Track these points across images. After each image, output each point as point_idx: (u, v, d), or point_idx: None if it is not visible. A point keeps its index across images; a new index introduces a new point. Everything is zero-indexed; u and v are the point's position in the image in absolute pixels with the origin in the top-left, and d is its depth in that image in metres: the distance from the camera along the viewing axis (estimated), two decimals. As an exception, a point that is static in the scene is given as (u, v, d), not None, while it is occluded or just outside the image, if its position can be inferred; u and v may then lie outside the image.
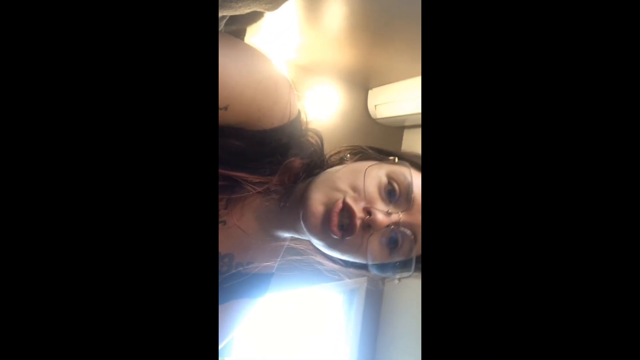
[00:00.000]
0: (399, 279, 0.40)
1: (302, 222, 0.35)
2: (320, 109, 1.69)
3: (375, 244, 0.36)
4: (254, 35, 1.21)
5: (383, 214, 0.35)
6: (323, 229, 0.35)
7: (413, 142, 2.02)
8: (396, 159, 0.39)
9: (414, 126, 2.01)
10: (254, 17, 0.49)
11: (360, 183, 0.35)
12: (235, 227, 0.40)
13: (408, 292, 1.89)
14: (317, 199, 0.35)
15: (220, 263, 0.41)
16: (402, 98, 1.71)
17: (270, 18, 0.48)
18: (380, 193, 0.36)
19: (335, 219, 0.34)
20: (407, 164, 0.38)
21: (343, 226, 0.34)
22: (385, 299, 2.09)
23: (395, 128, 2.05)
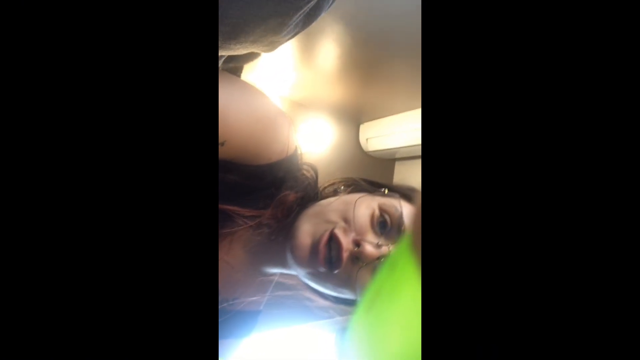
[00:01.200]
0: None
1: (289, 255, 0.35)
2: (314, 142, 1.72)
3: (365, 277, 0.35)
4: (250, 72, 1.26)
5: (372, 245, 0.34)
6: (310, 262, 0.34)
7: (404, 174, 2.05)
8: (386, 191, 0.39)
9: (404, 158, 2.06)
10: (251, 56, 0.51)
11: (350, 214, 0.35)
12: (223, 260, 0.39)
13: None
14: (305, 231, 0.35)
15: None
16: (392, 131, 1.76)
17: (266, 57, 0.50)
18: (372, 224, 0.36)
19: (322, 251, 0.33)
20: (398, 195, 0.38)
21: (332, 258, 0.34)
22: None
23: (387, 160, 2.09)
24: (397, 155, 1.99)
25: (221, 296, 0.41)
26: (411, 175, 1.99)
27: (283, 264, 0.39)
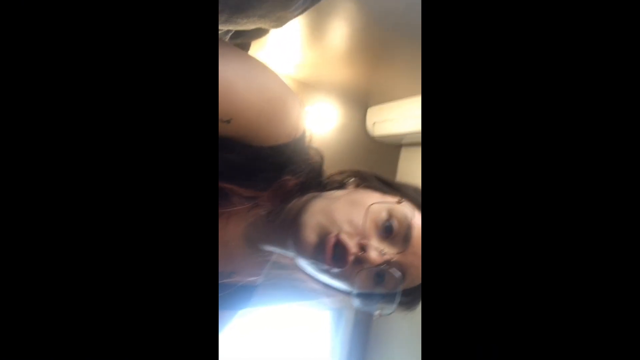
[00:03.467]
0: (379, 315, 0.39)
1: (292, 243, 0.35)
2: (319, 124, 1.71)
3: (362, 276, 0.35)
4: (258, 49, 1.24)
5: (377, 252, 0.34)
6: (315, 257, 0.34)
7: (410, 161, 2.04)
8: (401, 201, 0.38)
9: (411, 144, 2.03)
10: (259, 32, 0.50)
11: (360, 219, 0.35)
12: (219, 236, 0.39)
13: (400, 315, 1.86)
14: (311, 227, 0.34)
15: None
16: (400, 116, 1.73)
17: (274, 34, 0.49)
18: (377, 228, 0.35)
19: (329, 254, 0.33)
20: (412, 205, 0.37)
21: (335, 258, 0.34)
22: (375, 323, 2.06)
23: (393, 146, 2.07)
24: (404, 141, 1.96)
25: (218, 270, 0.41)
26: (416, 162, 1.97)
27: (280, 244, 0.39)
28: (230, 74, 0.30)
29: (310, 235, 0.34)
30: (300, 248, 0.34)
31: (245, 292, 0.45)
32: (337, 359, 1.95)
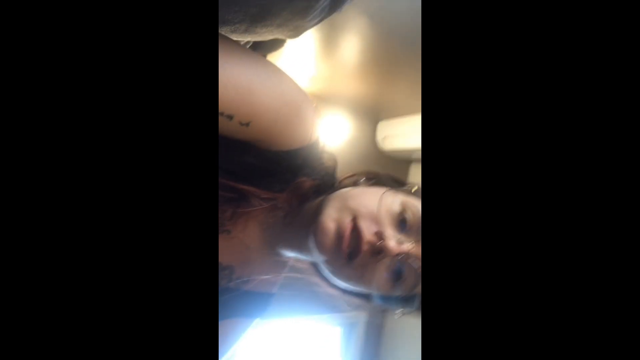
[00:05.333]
0: (400, 314, 0.38)
1: (311, 238, 0.35)
2: (330, 136, 1.72)
3: (380, 272, 0.35)
4: (273, 61, 1.27)
5: (395, 240, 0.34)
6: (333, 248, 0.34)
7: (419, 177, 2.03)
8: (414, 189, 0.38)
9: (420, 160, 2.03)
10: (275, 44, 0.52)
11: (374, 206, 0.35)
12: (238, 238, 0.40)
13: (409, 326, 1.81)
14: (329, 215, 0.34)
15: (220, 275, 0.41)
16: (410, 132, 1.74)
17: (289, 47, 0.51)
18: (391, 220, 0.35)
19: (347, 240, 0.33)
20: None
21: (352, 244, 0.34)
22: (385, 335, 2.00)
23: (403, 161, 2.07)
24: (414, 157, 1.96)
25: (237, 274, 0.41)
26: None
27: (297, 248, 0.39)
28: (249, 77, 0.31)
29: (330, 223, 0.34)
30: (320, 240, 0.34)
31: (263, 299, 0.44)
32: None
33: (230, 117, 0.31)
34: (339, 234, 0.33)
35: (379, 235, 0.33)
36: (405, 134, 1.78)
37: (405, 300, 0.37)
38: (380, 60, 1.21)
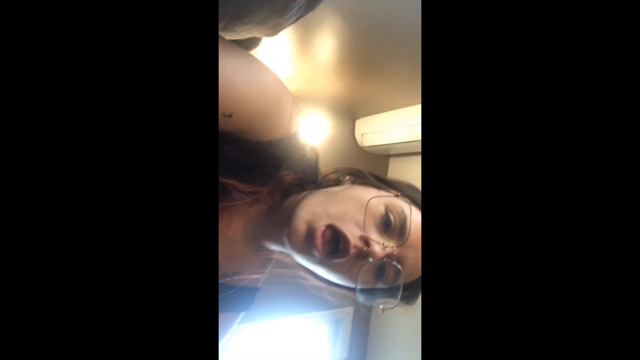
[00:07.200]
0: (383, 309, 0.40)
1: (286, 238, 0.36)
2: (310, 134, 1.73)
3: (364, 272, 0.36)
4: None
5: (380, 246, 0.35)
6: (305, 248, 0.34)
7: (399, 170, 2.07)
8: (399, 194, 0.39)
9: (399, 155, 2.08)
10: (252, 43, 0.52)
11: (361, 212, 0.35)
12: (222, 234, 0.40)
13: (396, 322, 1.85)
14: (302, 218, 0.35)
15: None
16: (388, 127, 1.78)
17: (265, 46, 0.51)
18: (376, 222, 0.36)
19: (318, 239, 0.34)
20: (408, 200, 0.38)
21: (337, 251, 0.34)
22: (372, 328, 2.03)
23: (381, 156, 2.11)
24: (392, 152, 2.01)
25: (222, 270, 0.41)
26: (405, 171, 2.01)
27: (281, 242, 0.39)
28: (232, 70, 0.32)
29: (300, 225, 0.34)
30: (291, 239, 0.35)
31: (248, 293, 0.44)
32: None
33: None
34: (310, 236, 0.34)
35: (365, 241, 0.35)
36: (382, 130, 1.81)
37: (386, 293, 0.39)
38: (355, 58, 1.23)
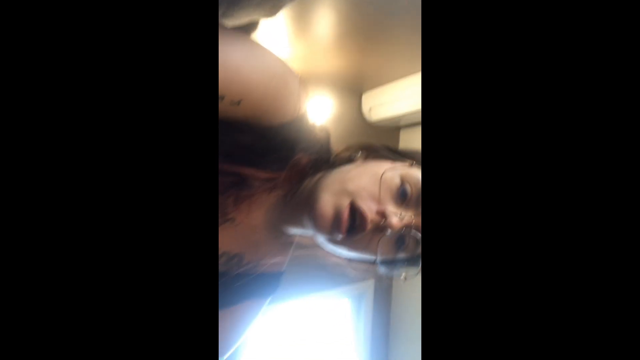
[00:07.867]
0: (405, 278, 0.40)
1: (308, 222, 0.36)
2: (318, 114, 1.71)
3: (383, 243, 0.36)
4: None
5: (397, 217, 0.35)
6: (332, 230, 0.35)
7: (411, 142, 2.04)
8: (413, 163, 0.39)
9: (409, 125, 2.04)
10: (250, 28, 0.51)
11: (374, 186, 0.36)
12: (244, 224, 0.41)
13: (416, 293, 1.89)
14: (327, 200, 0.35)
15: (230, 263, 0.42)
16: (395, 98, 1.74)
17: (264, 28, 0.50)
18: (392, 194, 0.36)
19: (345, 223, 0.34)
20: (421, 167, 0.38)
21: (355, 227, 0.35)
22: (394, 303, 2.08)
23: (392, 129, 2.07)
24: (402, 123, 1.97)
25: (247, 259, 0.42)
26: (417, 142, 1.98)
27: (300, 224, 0.40)
28: (235, 56, 0.31)
29: (327, 209, 0.35)
30: (318, 223, 0.35)
31: (273, 278, 0.46)
32: (361, 341, 1.98)
33: (221, 98, 0.31)
34: (338, 219, 0.34)
35: (382, 214, 0.35)
36: (389, 101, 1.77)
37: (408, 263, 0.39)
38: (355, 31, 1.18)
